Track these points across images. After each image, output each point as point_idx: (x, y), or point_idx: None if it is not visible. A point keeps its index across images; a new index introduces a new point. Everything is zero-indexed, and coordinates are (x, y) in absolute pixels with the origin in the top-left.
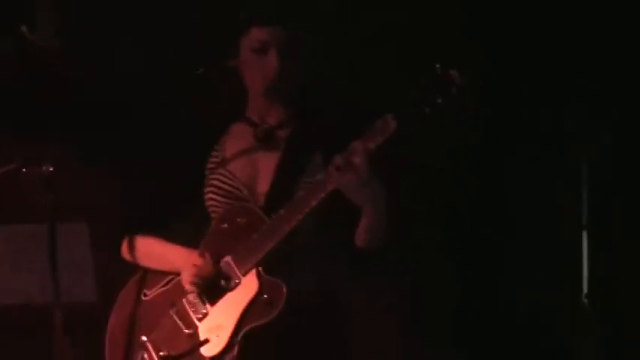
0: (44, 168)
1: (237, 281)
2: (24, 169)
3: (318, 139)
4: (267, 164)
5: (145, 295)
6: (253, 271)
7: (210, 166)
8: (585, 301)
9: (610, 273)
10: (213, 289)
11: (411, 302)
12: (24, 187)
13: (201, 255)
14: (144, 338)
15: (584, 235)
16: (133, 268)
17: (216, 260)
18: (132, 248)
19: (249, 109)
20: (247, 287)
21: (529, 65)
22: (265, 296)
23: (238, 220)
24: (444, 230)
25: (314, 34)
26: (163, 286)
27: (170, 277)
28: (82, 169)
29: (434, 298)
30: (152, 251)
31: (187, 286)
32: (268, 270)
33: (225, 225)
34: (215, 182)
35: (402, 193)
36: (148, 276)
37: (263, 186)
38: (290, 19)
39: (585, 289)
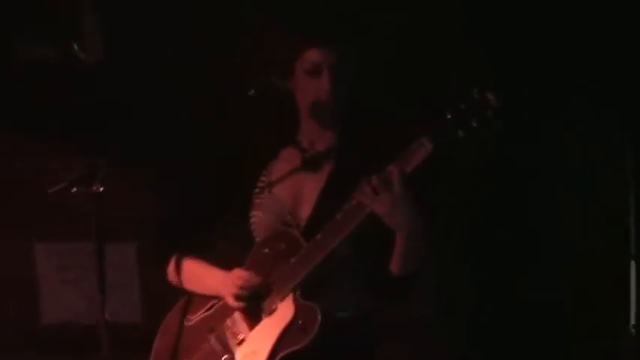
0: (94, 188)
1: (274, 307)
2: (74, 189)
3: (363, 167)
4: (311, 189)
5: (189, 320)
6: (290, 297)
7: (257, 190)
8: (633, 330)
9: None
10: (253, 310)
11: (449, 329)
12: (73, 206)
13: (246, 270)
14: None
15: (632, 265)
16: (179, 289)
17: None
18: (176, 271)
19: (300, 133)
20: (283, 313)
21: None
22: (300, 322)
23: (279, 245)
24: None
25: (359, 57)
26: (206, 311)
27: (213, 302)
28: (132, 188)
29: (477, 322)
30: (194, 274)
31: (231, 300)
32: (305, 294)
33: (267, 250)
34: (260, 206)
35: (437, 215)
36: (192, 301)
37: (306, 210)
38: (342, 40)
39: (633, 320)
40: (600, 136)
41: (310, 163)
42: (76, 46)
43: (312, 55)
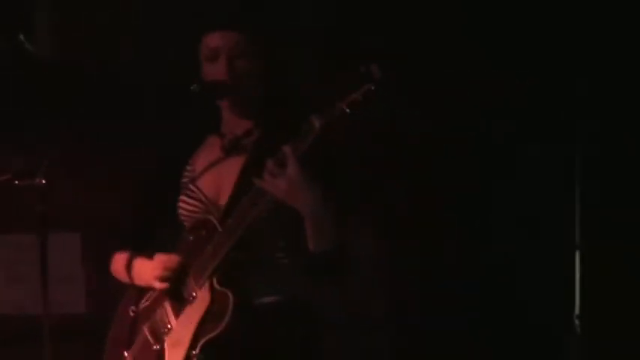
0: (37, 180)
1: (194, 294)
2: (17, 181)
3: (280, 147)
4: (230, 175)
5: (133, 310)
6: (207, 284)
7: (183, 179)
8: (577, 321)
9: (602, 294)
10: (179, 299)
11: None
12: (17, 198)
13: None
14: (125, 354)
15: (577, 255)
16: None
17: (184, 272)
18: (113, 265)
19: (222, 122)
20: (201, 300)
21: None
22: (215, 309)
23: (200, 232)
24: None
25: (267, 39)
26: (145, 302)
27: (150, 293)
28: (75, 180)
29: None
30: (127, 267)
31: (157, 283)
32: (223, 280)
33: (191, 237)
34: (184, 197)
35: (344, 190)
36: (137, 291)
37: (225, 196)
38: (237, 23)
39: (577, 310)
40: (548, 127)
41: (229, 149)
42: (22, 38)
43: (209, 41)
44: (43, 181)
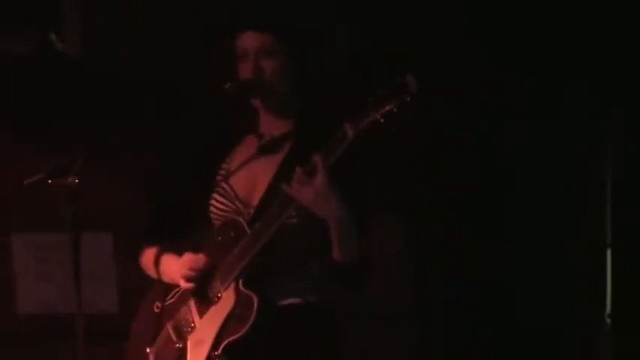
0: (70, 179)
1: (219, 295)
2: (50, 181)
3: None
4: (264, 176)
5: (157, 307)
6: (232, 285)
7: (218, 177)
8: (608, 320)
9: (634, 292)
10: (204, 298)
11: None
12: (50, 197)
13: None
14: (148, 350)
15: (609, 253)
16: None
17: (210, 272)
18: (142, 259)
19: (260, 121)
20: (226, 301)
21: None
22: (239, 310)
23: (229, 232)
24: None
25: (298, 41)
26: (170, 299)
27: (176, 289)
28: (107, 180)
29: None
30: (155, 262)
31: (182, 283)
32: (248, 282)
33: (220, 238)
34: (216, 195)
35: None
36: (163, 287)
37: (257, 197)
38: (266, 24)
39: (608, 309)
40: (579, 126)
41: (265, 150)
42: (53, 37)
43: (240, 42)
44: (76, 181)
